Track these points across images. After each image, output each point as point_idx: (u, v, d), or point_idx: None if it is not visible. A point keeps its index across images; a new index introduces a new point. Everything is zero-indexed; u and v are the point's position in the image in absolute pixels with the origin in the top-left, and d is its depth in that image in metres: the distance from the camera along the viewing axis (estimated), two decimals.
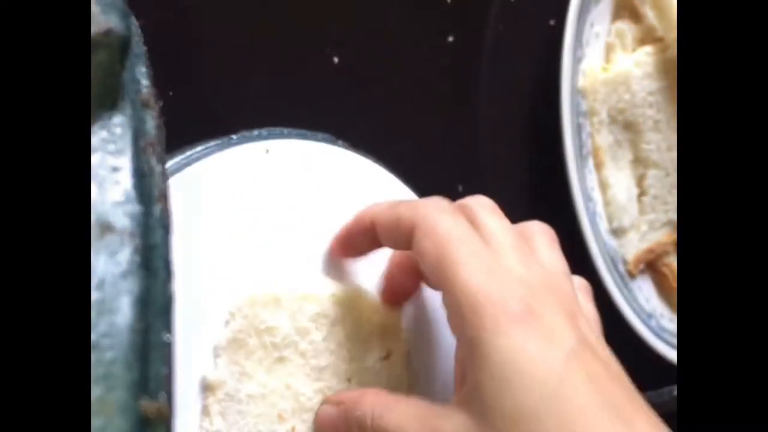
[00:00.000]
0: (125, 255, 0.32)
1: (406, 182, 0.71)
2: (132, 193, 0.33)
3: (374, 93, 0.75)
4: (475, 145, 0.79)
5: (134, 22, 0.37)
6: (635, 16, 0.81)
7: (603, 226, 0.79)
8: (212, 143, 0.65)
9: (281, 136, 0.68)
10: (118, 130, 0.35)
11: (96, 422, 0.29)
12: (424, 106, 0.77)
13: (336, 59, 0.73)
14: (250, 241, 0.64)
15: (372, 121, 0.75)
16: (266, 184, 0.65)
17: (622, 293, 0.78)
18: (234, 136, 0.67)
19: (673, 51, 0.79)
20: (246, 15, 0.70)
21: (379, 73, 0.75)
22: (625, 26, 0.81)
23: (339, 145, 0.70)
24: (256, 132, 0.67)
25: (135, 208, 0.33)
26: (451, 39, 0.78)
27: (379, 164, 0.70)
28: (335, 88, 0.73)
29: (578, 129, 0.76)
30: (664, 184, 0.82)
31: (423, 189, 0.72)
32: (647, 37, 0.81)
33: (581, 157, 0.77)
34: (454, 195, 0.77)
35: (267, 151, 0.65)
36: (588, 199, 0.77)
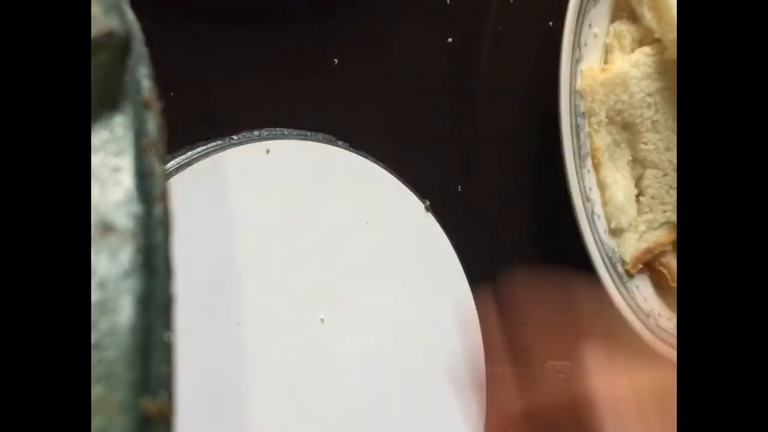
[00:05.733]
0: (127, 255, 0.32)
1: (405, 182, 0.71)
2: (133, 193, 0.33)
3: (374, 93, 0.75)
4: (474, 145, 0.80)
5: (135, 23, 0.37)
6: (633, 18, 0.81)
7: (601, 226, 0.79)
8: (213, 143, 0.66)
9: (281, 136, 0.68)
10: (119, 131, 0.35)
11: (97, 421, 0.29)
12: (424, 107, 0.77)
13: (336, 59, 0.73)
14: (250, 241, 0.64)
15: (372, 121, 0.75)
16: (267, 185, 0.65)
17: (621, 293, 0.78)
18: (234, 137, 0.67)
19: (671, 52, 0.79)
20: (246, 16, 0.70)
21: (378, 73, 0.75)
22: (624, 27, 0.81)
23: (339, 145, 0.70)
24: (256, 132, 0.68)
25: (136, 208, 0.33)
26: (450, 40, 0.78)
27: (379, 164, 0.70)
28: (335, 88, 0.73)
29: (576, 129, 0.77)
30: (662, 184, 0.82)
31: (423, 189, 0.72)
32: (645, 38, 0.81)
33: (579, 158, 0.77)
34: (453, 195, 0.77)
35: (267, 151, 0.65)
36: (586, 199, 0.77)
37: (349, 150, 0.70)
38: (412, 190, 0.71)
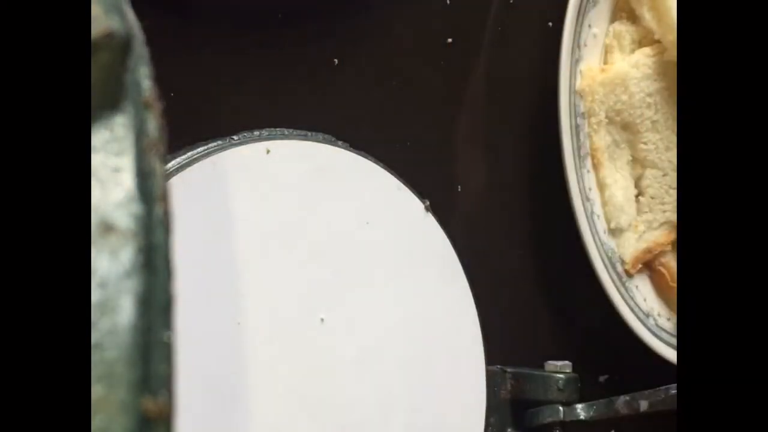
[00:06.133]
0: (127, 255, 0.32)
1: (405, 182, 0.71)
2: (134, 193, 0.33)
3: (374, 93, 0.75)
4: (474, 145, 0.80)
5: (136, 24, 0.37)
6: (633, 18, 0.81)
7: (601, 226, 0.79)
8: (213, 144, 0.66)
9: (281, 136, 0.68)
10: (120, 131, 0.35)
11: (98, 421, 0.29)
12: (424, 107, 0.77)
13: (336, 60, 0.73)
14: (250, 241, 0.64)
15: (372, 121, 0.75)
16: (267, 185, 0.65)
17: (620, 293, 0.78)
18: (235, 137, 0.67)
19: (671, 53, 0.79)
20: (246, 16, 0.70)
21: (378, 73, 0.75)
22: (623, 28, 0.81)
23: (339, 145, 0.70)
24: (256, 132, 0.68)
25: (137, 208, 0.33)
26: (450, 40, 0.78)
27: (379, 164, 0.70)
28: (335, 88, 0.73)
29: (576, 129, 0.77)
30: (662, 184, 0.82)
31: (423, 189, 0.72)
32: (645, 38, 0.81)
33: (579, 158, 0.77)
34: (453, 195, 0.77)
35: (267, 151, 0.66)
36: (586, 199, 0.77)
37: (349, 150, 0.70)
38: (412, 190, 0.71)
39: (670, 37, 0.78)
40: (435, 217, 0.72)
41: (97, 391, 0.30)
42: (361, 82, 0.75)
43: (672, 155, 0.81)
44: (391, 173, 0.71)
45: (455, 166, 0.79)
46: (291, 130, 0.70)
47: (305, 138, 0.69)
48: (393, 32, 0.76)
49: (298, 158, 0.67)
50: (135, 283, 0.31)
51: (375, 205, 0.70)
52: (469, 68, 0.79)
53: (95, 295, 0.31)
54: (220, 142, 0.66)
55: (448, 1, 0.77)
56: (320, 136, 0.70)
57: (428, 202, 0.72)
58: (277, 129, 0.69)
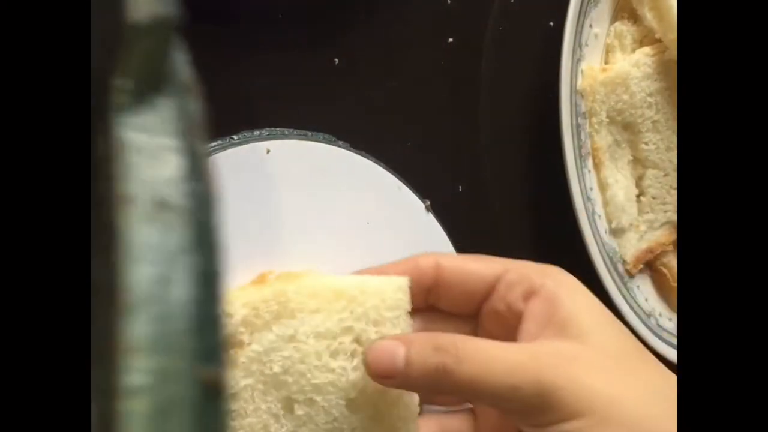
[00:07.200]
0: (181, 231, 0.32)
1: (406, 182, 0.71)
2: (183, 172, 0.34)
3: (374, 93, 0.75)
4: (475, 145, 0.80)
5: (177, 9, 0.37)
6: (634, 18, 0.82)
7: (602, 226, 0.79)
8: (213, 143, 0.66)
9: (282, 136, 0.68)
10: (164, 112, 0.35)
11: (162, 391, 0.29)
12: (424, 107, 0.77)
13: (336, 60, 0.73)
14: (250, 240, 0.64)
15: (372, 121, 0.75)
16: (267, 185, 0.65)
17: (621, 293, 0.79)
18: (235, 137, 0.67)
19: (672, 52, 0.79)
20: (247, 16, 0.70)
21: (379, 73, 0.75)
22: (625, 27, 0.81)
23: (339, 145, 0.70)
24: (257, 132, 0.68)
25: (187, 185, 0.33)
26: (451, 40, 0.78)
27: (379, 164, 0.70)
28: (335, 88, 0.73)
29: (577, 129, 0.77)
30: (663, 184, 0.82)
31: (423, 189, 0.72)
32: (646, 38, 0.82)
33: (580, 158, 0.77)
34: (453, 195, 0.77)
35: (268, 151, 0.66)
36: (587, 199, 0.77)
37: (349, 150, 0.70)
38: (412, 190, 0.71)
39: (671, 35, 0.78)
40: (435, 217, 0.72)
41: (160, 362, 0.30)
42: (361, 82, 0.75)
43: (673, 155, 0.82)
44: (391, 173, 0.71)
45: (455, 166, 0.79)
46: (291, 130, 0.70)
47: (305, 138, 0.69)
48: (393, 32, 0.76)
49: (298, 158, 0.67)
50: (190, 258, 0.32)
51: (375, 205, 0.70)
52: (470, 68, 0.80)
53: (154, 271, 0.31)
54: (220, 142, 0.66)
55: (448, 1, 0.78)
56: (320, 136, 0.70)
57: (428, 202, 0.72)
58: (277, 129, 0.69)
